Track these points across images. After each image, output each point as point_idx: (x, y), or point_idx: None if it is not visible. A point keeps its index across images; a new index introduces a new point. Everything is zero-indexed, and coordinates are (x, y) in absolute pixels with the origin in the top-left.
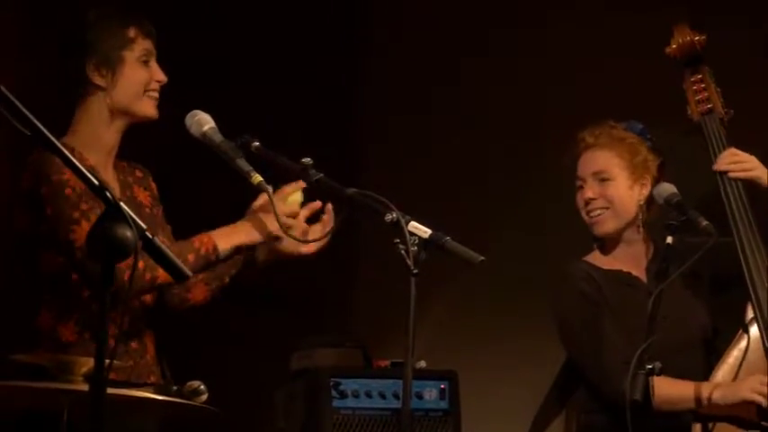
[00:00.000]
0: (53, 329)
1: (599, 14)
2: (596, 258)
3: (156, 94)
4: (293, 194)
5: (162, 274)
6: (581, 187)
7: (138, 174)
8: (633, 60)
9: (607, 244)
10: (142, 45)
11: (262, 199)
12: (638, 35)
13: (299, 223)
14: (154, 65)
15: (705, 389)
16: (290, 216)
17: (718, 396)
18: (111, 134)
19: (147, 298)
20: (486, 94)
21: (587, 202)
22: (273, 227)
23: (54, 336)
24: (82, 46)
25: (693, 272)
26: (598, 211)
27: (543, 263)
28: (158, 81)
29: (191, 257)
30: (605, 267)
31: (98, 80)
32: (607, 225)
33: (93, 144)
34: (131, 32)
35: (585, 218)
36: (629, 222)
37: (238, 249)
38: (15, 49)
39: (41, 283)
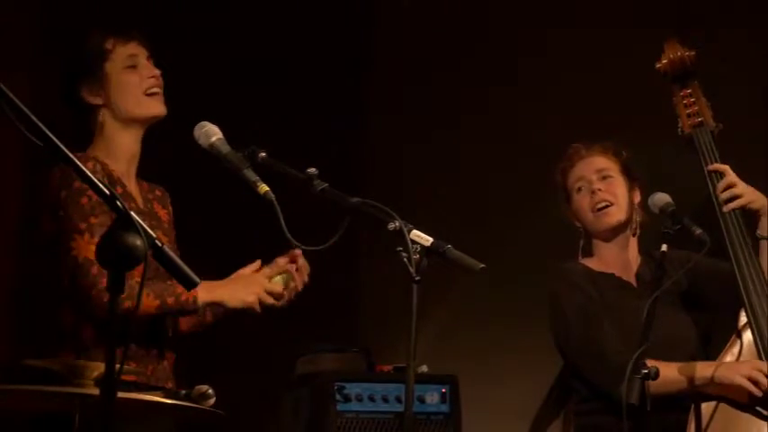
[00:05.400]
0: (75, 329)
1: (597, 30)
2: (588, 262)
3: (156, 90)
4: (277, 276)
5: (144, 306)
6: (580, 189)
7: (158, 193)
8: (627, 75)
9: (599, 248)
10: (123, 52)
11: (253, 266)
12: (632, 51)
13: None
14: (143, 64)
15: (700, 368)
16: (271, 294)
17: (712, 375)
18: (129, 141)
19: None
20: (487, 97)
21: (595, 193)
22: (252, 299)
23: (76, 336)
24: (72, 73)
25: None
26: (606, 203)
27: (543, 270)
28: (151, 77)
29: (170, 300)
30: (597, 270)
31: (95, 100)
32: (614, 217)
33: (114, 154)
34: (108, 44)
35: (590, 216)
36: (627, 221)
37: (217, 306)
38: (30, 64)
39: (64, 284)
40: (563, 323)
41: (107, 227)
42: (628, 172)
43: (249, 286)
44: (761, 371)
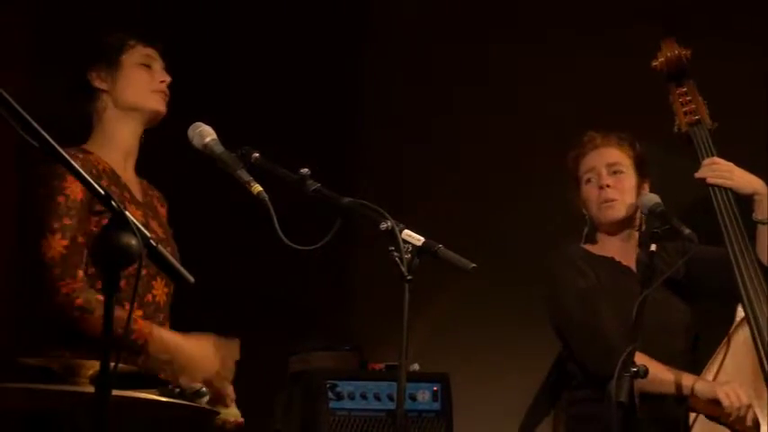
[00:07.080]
0: (59, 324)
1: (598, 28)
2: (589, 247)
3: (163, 93)
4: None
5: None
6: (589, 180)
7: (156, 193)
8: (628, 74)
9: (602, 238)
10: (142, 51)
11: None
12: (633, 49)
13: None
14: (157, 69)
15: (688, 379)
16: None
17: (698, 388)
18: (127, 133)
19: (162, 296)
20: (487, 95)
21: (603, 189)
22: (213, 375)
23: (60, 330)
24: (85, 55)
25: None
26: (612, 198)
27: (536, 268)
28: (162, 81)
29: (119, 330)
30: (598, 254)
31: (100, 84)
32: (619, 211)
33: (110, 145)
34: (131, 41)
35: (594, 208)
36: (631, 216)
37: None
38: (27, 61)
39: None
40: (561, 304)
41: (80, 230)
42: (640, 166)
43: (206, 365)
44: (736, 390)
